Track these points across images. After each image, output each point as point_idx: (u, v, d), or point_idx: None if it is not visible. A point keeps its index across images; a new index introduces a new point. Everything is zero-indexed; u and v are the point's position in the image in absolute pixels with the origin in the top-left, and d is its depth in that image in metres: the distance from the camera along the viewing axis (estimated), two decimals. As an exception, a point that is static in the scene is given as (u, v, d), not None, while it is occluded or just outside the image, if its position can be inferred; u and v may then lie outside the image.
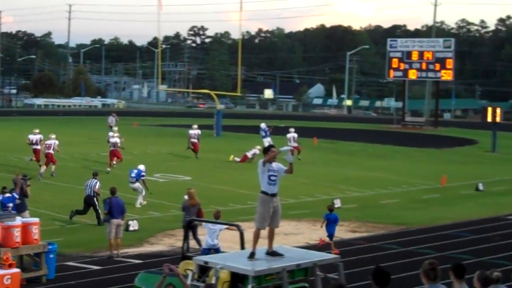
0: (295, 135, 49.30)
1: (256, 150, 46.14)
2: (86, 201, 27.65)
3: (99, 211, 27.05)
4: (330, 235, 24.42)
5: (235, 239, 18.04)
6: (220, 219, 21.19)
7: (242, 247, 15.82)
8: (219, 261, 13.80)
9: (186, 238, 18.47)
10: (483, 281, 10.44)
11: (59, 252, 21.58)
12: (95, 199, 27.52)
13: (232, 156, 46.58)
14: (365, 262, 21.79)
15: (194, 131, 48.34)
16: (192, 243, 22.11)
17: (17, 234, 19.41)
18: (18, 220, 19.85)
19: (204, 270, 13.97)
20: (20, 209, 23.71)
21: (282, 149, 14.52)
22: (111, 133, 43.53)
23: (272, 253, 14.19)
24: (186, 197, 23.92)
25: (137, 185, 31.29)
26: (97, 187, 27.71)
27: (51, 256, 20.35)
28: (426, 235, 27.18)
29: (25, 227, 19.76)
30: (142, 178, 31.53)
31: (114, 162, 40.99)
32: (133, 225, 26.68)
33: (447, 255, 22.90)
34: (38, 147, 39.65)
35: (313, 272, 14.02)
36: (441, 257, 21.72)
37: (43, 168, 38.12)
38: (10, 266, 18.43)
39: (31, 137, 39.94)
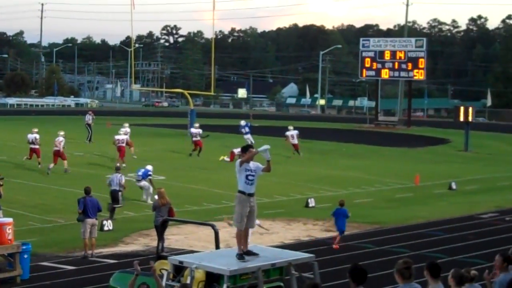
0: (296, 132, 50.57)
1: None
2: (113, 195, 28.73)
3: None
4: (341, 230, 24.63)
5: (210, 239, 18.06)
6: (193, 219, 21.17)
7: (217, 247, 15.82)
8: (194, 260, 13.79)
9: (160, 238, 18.45)
10: (458, 279, 10.51)
11: (33, 252, 21.49)
12: (120, 193, 28.71)
13: (222, 157, 46.50)
14: (339, 261, 21.89)
15: (196, 130, 49.23)
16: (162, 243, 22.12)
17: (-10, 235, 19.32)
18: (-8, 221, 19.76)
19: (179, 270, 13.96)
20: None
21: (261, 149, 14.52)
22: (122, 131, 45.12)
23: (247, 253, 14.20)
24: (156, 196, 23.99)
25: (144, 183, 31.96)
26: (123, 181, 29.20)
27: (25, 256, 20.26)
28: (400, 234, 27.33)
29: (-1, 228, 19.68)
30: (149, 177, 32.11)
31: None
32: (108, 225, 26.62)
33: (421, 253, 23.05)
34: (36, 146, 40.32)
35: (288, 271, 14.04)
36: (415, 256, 21.87)
37: (52, 164, 39.01)
38: (-16, 266, 18.35)
39: (29, 136, 40.72)
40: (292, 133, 50.49)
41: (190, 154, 48.42)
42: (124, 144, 43.15)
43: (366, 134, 77.58)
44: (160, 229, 18.97)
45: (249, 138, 50.88)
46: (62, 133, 40.61)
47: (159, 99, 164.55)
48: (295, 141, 50.27)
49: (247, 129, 52.75)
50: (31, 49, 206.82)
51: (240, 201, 14.36)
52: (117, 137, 43.27)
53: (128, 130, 46.23)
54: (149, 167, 32.61)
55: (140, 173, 32.13)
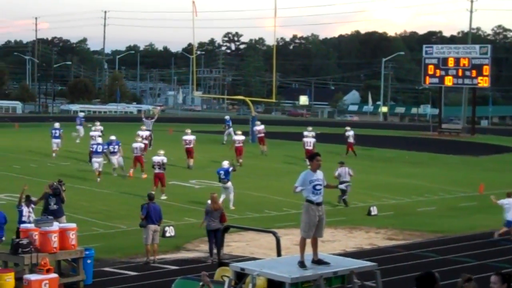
0: (313, 140, 49.08)
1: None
2: None
3: None
4: (509, 222, 24.65)
5: (272, 246, 17.98)
6: (255, 226, 21.15)
7: (279, 254, 15.74)
8: (256, 268, 13.74)
9: (221, 244, 18.45)
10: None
11: (96, 258, 21.66)
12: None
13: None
14: (402, 270, 21.67)
15: (189, 137, 46.47)
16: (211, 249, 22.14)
17: (54, 240, 19.50)
18: (56, 226, 19.95)
19: (240, 277, 13.92)
20: (57, 214, 23.86)
21: (341, 186, 14.70)
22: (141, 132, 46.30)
23: (318, 261, 14.12)
24: (209, 201, 24.10)
25: (230, 184, 32.04)
26: (351, 172, 34.40)
27: (89, 261, 20.45)
28: (464, 243, 26.95)
29: (63, 233, 19.85)
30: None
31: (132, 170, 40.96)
32: (170, 231, 26.74)
33: (487, 263, 22.67)
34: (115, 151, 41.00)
35: (350, 279, 13.91)
36: (480, 265, 21.54)
37: (131, 170, 40.15)
38: (48, 271, 18.54)
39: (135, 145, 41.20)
40: (310, 140, 49.10)
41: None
42: (191, 146, 44.90)
43: (429, 142, 76.70)
44: (221, 235, 18.95)
45: (231, 132, 55.48)
46: (139, 139, 42.39)
47: (233, 107, 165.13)
48: (310, 147, 47.90)
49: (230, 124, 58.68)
50: (94, 56, 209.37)
51: (308, 210, 14.27)
52: (185, 137, 45.40)
53: (193, 137, 46.44)
54: (226, 164, 32.88)
55: (223, 176, 32.32)
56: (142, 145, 41.44)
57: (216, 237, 22.93)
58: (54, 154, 47.36)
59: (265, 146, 52.80)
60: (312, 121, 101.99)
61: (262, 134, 53.34)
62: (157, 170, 34.79)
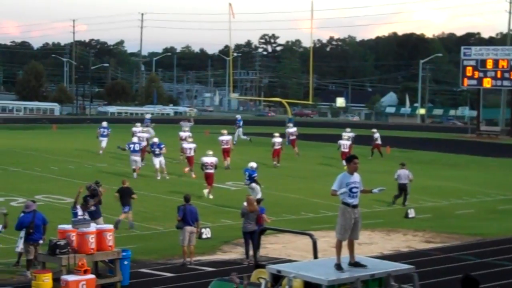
0: (349, 142, 49.40)
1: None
2: (401, 187, 34.86)
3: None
4: None
5: (308, 248, 17.91)
6: (291, 228, 21.09)
7: (315, 256, 15.68)
8: (293, 270, 13.69)
9: (258, 246, 18.42)
10: None
11: (133, 259, 21.72)
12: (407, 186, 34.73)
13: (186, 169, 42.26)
14: (440, 273, 21.49)
15: (226, 137, 46.73)
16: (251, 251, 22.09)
17: (92, 241, 19.59)
18: (93, 227, 20.04)
19: (277, 279, 13.88)
20: (94, 215, 23.98)
21: (375, 190, 14.68)
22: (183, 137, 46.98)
23: (354, 264, 14.05)
24: (245, 203, 24.09)
25: (254, 184, 32.12)
26: (411, 176, 35.18)
27: (126, 262, 20.51)
28: (503, 246, 26.67)
29: (100, 234, 19.93)
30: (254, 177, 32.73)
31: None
32: (206, 232, 26.75)
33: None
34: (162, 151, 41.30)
35: (387, 282, 13.82)
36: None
37: (187, 168, 40.93)
38: (85, 272, 18.61)
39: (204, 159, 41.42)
40: (346, 142, 48.99)
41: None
42: (228, 146, 45.73)
43: (468, 144, 76.13)
44: (258, 237, 18.92)
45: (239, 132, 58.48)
46: (190, 139, 43.51)
47: (270, 109, 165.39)
48: (346, 149, 48.15)
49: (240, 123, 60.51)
50: (131, 58, 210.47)
51: (343, 213, 14.22)
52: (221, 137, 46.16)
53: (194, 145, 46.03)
54: (254, 165, 32.99)
55: (247, 177, 32.44)
56: (195, 146, 42.27)
57: (252, 239, 22.92)
58: (101, 151, 49.08)
59: (296, 148, 52.87)
60: (349, 123, 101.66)
61: (294, 137, 53.63)
62: (207, 170, 35.50)
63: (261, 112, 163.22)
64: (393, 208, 34.12)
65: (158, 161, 40.54)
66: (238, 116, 64.15)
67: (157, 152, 40.50)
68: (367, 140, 55.65)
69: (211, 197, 34.59)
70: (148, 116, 64.97)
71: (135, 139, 43.51)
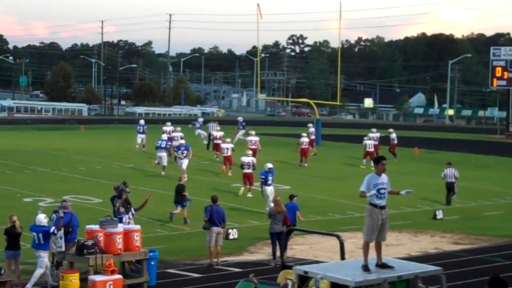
0: (372, 142, 49.36)
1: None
2: (449, 186, 35.80)
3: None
4: None
5: (335, 249, 17.85)
6: (318, 229, 21.03)
7: (343, 257, 15.61)
8: (320, 271, 13.64)
9: (285, 247, 18.38)
10: None
11: (160, 259, 21.74)
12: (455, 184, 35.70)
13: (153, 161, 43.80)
14: (468, 275, 21.34)
15: (254, 138, 47.23)
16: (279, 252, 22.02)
17: (119, 241, 19.63)
18: (120, 227, 20.08)
19: (304, 280, 13.84)
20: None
21: (403, 192, 14.59)
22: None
23: (382, 265, 13.99)
24: (272, 204, 24.06)
25: (269, 189, 31.94)
26: (457, 175, 36.15)
27: (153, 263, 20.53)
28: (531, 248, 26.43)
29: (127, 234, 19.96)
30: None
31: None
32: (233, 233, 26.75)
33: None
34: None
35: (415, 284, 13.75)
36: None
37: (224, 167, 42.45)
38: (112, 272, 18.66)
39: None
40: (371, 142, 48.93)
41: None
42: (256, 146, 45.77)
43: (497, 145, 75.65)
44: (285, 238, 18.88)
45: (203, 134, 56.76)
46: (228, 140, 45.15)
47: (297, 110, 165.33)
48: (372, 149, 48.24)
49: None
50: (159, 59, 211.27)
51: (371, 214, 14.16)
52: (249, 138, 46.76)
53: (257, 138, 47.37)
54: (270, 165, 32.91)
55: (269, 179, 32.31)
56: (232, 146, 43.85)
57: (279, 240, 22.90)
58: (137, 146, 51.18)
59: (314, 148, 52.97)
60: (377, 123, 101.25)
61: (313, 137, 53.65)
62: (246, 170, 36.36)
63: (272, 112, 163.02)
64: (421, 210, 33.94)
65: (184, 163, 40.46)
66: (240, 118, 63.77)
67: (183, 156, 40.50)
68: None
69: (249, 195, 35.39)
70: (200, 120, 64.81)
71: (164, 136, 45.25)
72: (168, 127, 51.08)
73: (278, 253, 22.79)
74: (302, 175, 43.71)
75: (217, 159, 47.28)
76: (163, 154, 42.04)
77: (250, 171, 36.35)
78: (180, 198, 29.36)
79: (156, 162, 42.38)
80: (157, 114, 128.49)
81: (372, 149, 47.82)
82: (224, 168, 42.32)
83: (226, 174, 41.49)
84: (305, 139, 48.46)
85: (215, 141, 49.37)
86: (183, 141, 42.07)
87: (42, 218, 20.59)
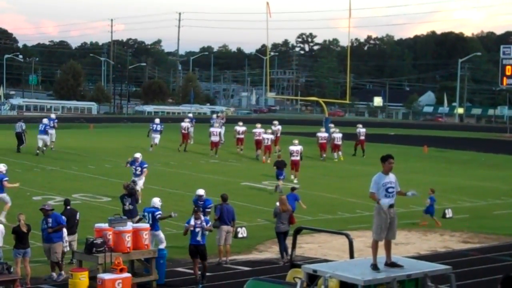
0: (364, 130, 53.07)
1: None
2: None
3: None
4: None
5: (344, 248, 17.83)
6: (327, 228, 21.01)
7: (352, 256, 15.60)
8: (328, 269, 13.63)
9: (294, 246, 18.36)
10: None
11: (169, 258, 21.76)
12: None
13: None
14: (477, 274, 21.29)
15: (267, 136, 49.14)
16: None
17: (128, 240, 19.64)
18: (129, 226, 20.09)
19: (313, 278, 13.83)
20: (131, 214, 24.08)
21: (409, 194, 14.71)
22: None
23: (391, 264, 13.96)
24: (277, 203, 24.08)
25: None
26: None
27: (161, 261, 20.54)
28: (541, 247, 26.35)
29: (136, 233, 19.97)
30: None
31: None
32: (242, 232, 26.75)
33: None
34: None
35: (424, 283, 13.73)
36: (558, 270, 21.01)
37: (264, 157, 47.54)
38: (121, 270, 18.68)
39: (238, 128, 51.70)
40: (332, 135, 50.80)
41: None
42: (261, 137, 48.77)
43: (507, 144, 75.44)
44: (294, 237, 18.86)
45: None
46: (269, 130, 49.26)
47: (306, 108, 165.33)
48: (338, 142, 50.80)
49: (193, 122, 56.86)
50: (168, 58, 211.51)
51: (379, 212, 14.12)
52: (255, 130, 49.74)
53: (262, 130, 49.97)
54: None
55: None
56: (273, 137, 48.94)
57: (284, 238, 23.04)
58: (150, 149, 50.46)
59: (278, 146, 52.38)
60: (387, 122, 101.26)
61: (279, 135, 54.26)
62: (294, 157, 40.80)
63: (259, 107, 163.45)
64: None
65: (140, 182, 32.61)
66: (190, 115, 64.46)
67: (136, 173, 33.07)
68: (409, 140, 55.10)
69: (295, 181, 38.43)
70: (215, 115, 64.90)
71: (157, 120, 51.35)
72: (187, 123, 52.70)
73: (288, 251, 22.86)
74: (312, 175, 43.64)
75: (241, 152, 50.92)
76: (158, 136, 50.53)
77: (298, 158, 40.77)
78: (281, 170, 36.76)
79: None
80: (166, 113, 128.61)
81: (339, 142, 50.31)
82: (264, 160, 47.00)
83: (266, 162, 45.95)
84: (322, 134, 50.61)
85: (238, 136, 51.59)
86: (138, 155, 34.21)
87: (157, 201, 22.60)
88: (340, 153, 50.49)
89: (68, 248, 21.66)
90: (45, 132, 47.32)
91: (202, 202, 24.42)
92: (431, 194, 30.37)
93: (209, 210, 24.33)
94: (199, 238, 20.80)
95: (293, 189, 27.93)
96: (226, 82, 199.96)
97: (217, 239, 23.16)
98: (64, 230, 21.42)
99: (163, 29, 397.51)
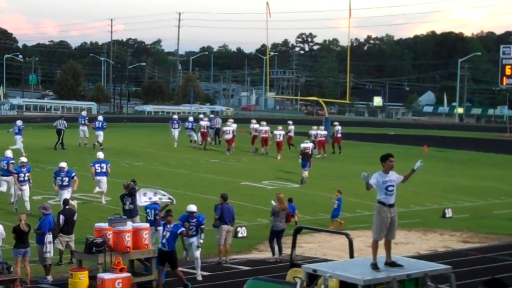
0: (340, 128, 54.62)
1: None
2: None
3: None
4: None
5: (344, 248, 17.83)
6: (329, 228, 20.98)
7: (351, 256, 15.60)
8: (328, 269, 13.63)
9: (293, 246, 18.35)
10: None
11: (169, 258, 21.71)
12: None
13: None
14: (477, 273, 21.28)
15: (279, 132, 51.27)
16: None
17: (128, 239, 19.65)
18: (129, 225, 20.09)
19: (313, 278, 13.83)
20: (131, 214, 24.08)
21: (416, 166, 14.71)
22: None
23: (391, 264, 13.95)
24: (273, 202, 24.13)
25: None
26: None
27: (161, 261, 20.52)
28: (541, 247, 26.35)
29: (136, 232, 19.98)
30: None
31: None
32: (242, 231, 26.74)
33: None
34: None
35: (424, 282, 13.74)
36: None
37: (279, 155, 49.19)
38: (121, 270, 18.69)
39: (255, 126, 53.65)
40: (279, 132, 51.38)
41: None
42: (267, 135, 51.16)
43: (506, 144, 75.44)
44: (293, 236, 18.86)
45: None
46: (280, 127, 51.09)
47: (306, 108, 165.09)
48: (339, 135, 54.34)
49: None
50: (168, 58, 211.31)
51: (379, 212, 14.11)
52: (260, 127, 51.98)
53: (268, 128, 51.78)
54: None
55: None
56: (283, 133, 51.04)
57: (278, 237, 23.19)
58: (175, 144, 53.33)
59: (267, 148, 52.21)
60: (387, 122, 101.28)
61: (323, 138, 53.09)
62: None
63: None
64: (430, 208, 33.88)
65: (26, 190, 30.14)
66: (175, 116, 59.66)
67: (23, 179, 30.14)
68: (411, 139, 55.08)
69: (306, 173, 40.03)
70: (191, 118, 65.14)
71: (190, 118, 53.98)
72: (205, 122, 53.93)
73: (276, 249, 23.04)
74: (311, 174, 43.61)
75: (256, 152, 51.65)
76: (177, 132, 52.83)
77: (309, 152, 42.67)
78: (307, 160, 40.36)
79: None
80: (166, 113, 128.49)
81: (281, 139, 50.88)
82: (279, 157, 48.79)
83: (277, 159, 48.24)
84: (321, 132, 51.84)
85: (262, 135, 51.78)
86: (24, 159, 31.23)
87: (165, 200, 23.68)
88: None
89: (50, 254, 21.22)
90: (101, 128, 51.21)
91: (194, 220, 22.06)
92: (338, 196, 29.41)
93: (203, 226, 22.24)
94: (164, 241, 20.29)
95: (290, 200, 27.26)
96: (226, 82, 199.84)
97: (217, 238, 23.16)
98: (47, 235, 21.16)
99: (163, 29, 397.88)
